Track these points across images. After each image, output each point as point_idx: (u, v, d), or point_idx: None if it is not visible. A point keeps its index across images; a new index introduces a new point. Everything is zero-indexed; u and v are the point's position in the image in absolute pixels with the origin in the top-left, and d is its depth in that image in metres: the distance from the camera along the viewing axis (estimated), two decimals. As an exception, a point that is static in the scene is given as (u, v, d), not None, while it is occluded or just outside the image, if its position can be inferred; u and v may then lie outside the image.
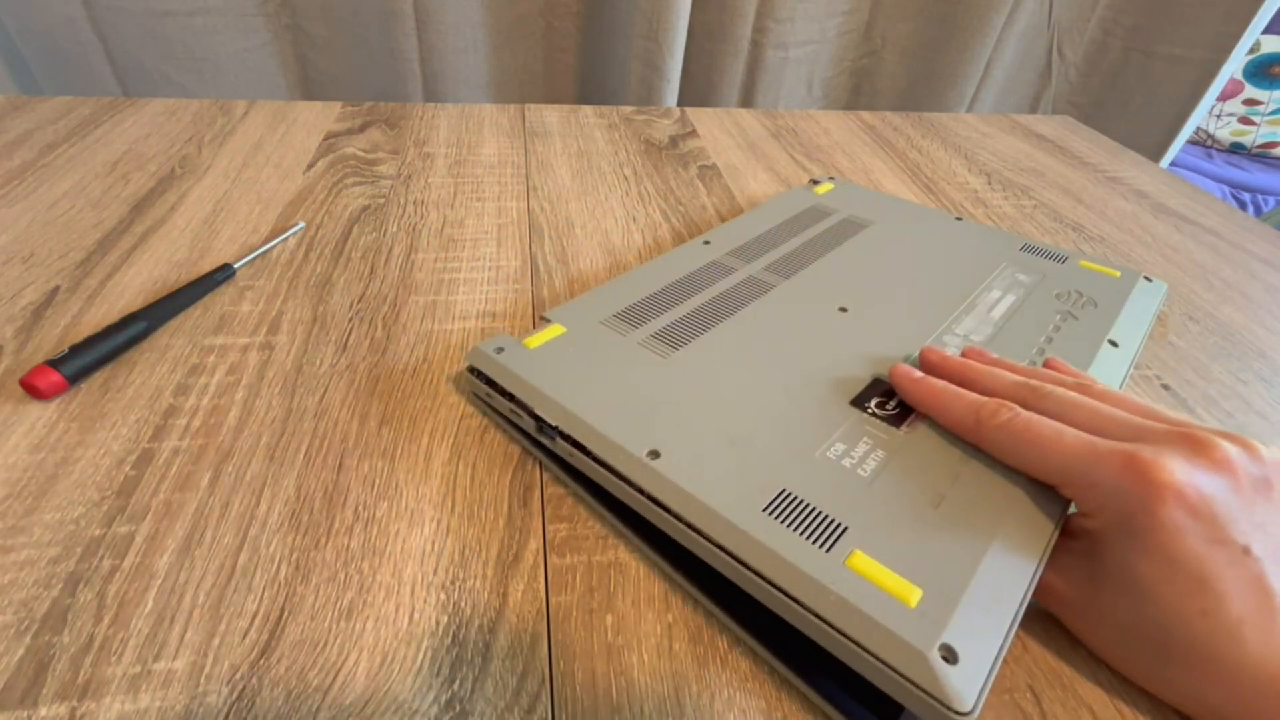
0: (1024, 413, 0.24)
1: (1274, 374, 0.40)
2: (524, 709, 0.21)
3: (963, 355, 0.30)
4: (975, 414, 0.25)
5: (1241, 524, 0.20)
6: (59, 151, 0.51)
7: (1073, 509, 0.24)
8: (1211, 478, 0.21)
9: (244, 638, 0.23)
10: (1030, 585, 0.22)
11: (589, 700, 0.22)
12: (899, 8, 1.00)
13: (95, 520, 0.26)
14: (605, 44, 0.94)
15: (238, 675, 0.22)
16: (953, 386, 0.27)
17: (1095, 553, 0.22)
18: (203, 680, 0.21)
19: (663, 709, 0.22)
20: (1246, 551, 0.20)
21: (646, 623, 0.24)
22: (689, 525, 0.23)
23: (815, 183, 0.50)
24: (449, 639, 0.23)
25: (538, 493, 0.29)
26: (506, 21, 0.90)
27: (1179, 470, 0.20)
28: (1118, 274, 0.39)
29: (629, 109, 0.69)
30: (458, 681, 0.22)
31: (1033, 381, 0.26)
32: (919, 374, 0.28)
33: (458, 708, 0.21)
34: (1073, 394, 0.25)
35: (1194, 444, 0.21)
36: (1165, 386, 0.38)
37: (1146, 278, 0.39)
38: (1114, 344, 0.34)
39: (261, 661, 0.22)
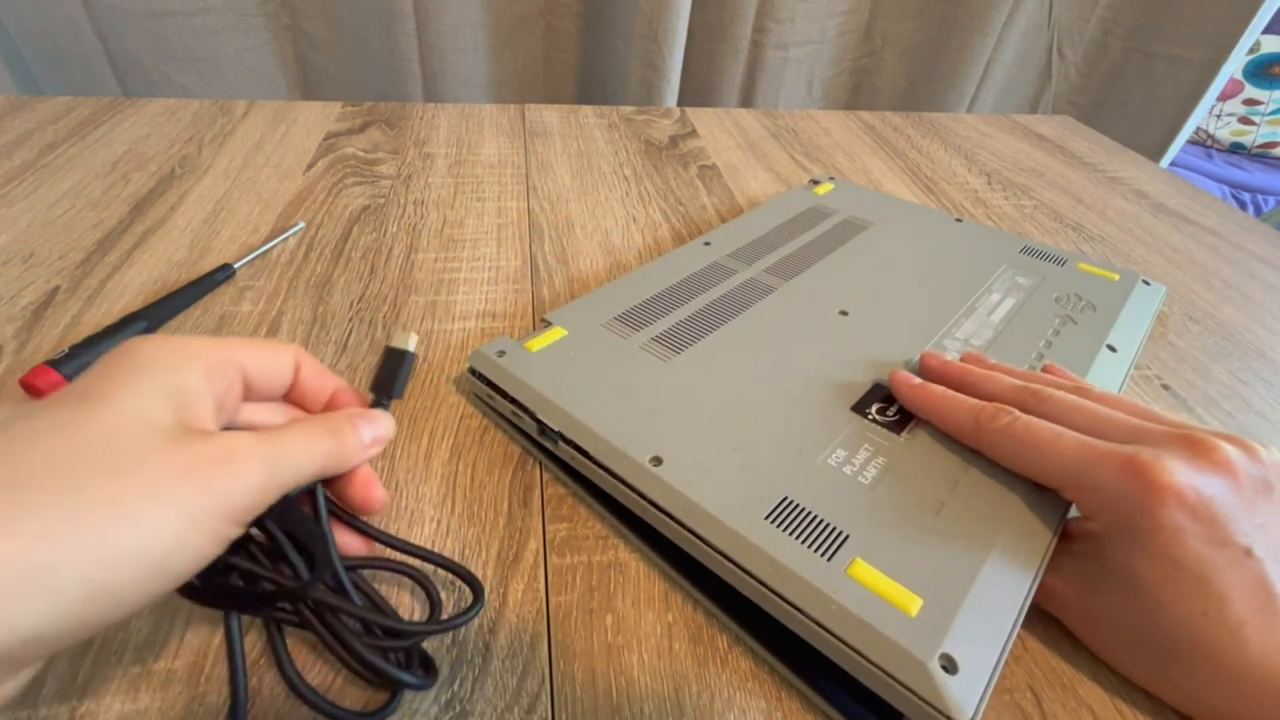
0: (1023, 416, 0.24)
1: (1274, 374, 0.40)
2: (524, 709, 0.22)
3: (962, 360, 0.30)
4: (975, 418, 0.25)
5: (1243, 525, 0.20)
6: (59, 151, 0.51)
7: (1074, 513, 0.24)
8: (1212, 479, 0.21)
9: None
10: (1029, 593, 0.22)
11: (589, 700, 0.22)
12: (899, 8, 1.00)
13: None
14: (605, 44, 0.94)
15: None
16: (951, 392, 0.27)
17: (1097, 555, 0.22)
18: (203, 680, 0.21)
19: (663, 709, 0.22)
20: (1248, 553, 0.20)
21: (646, 623, 0.24)
22: (692, 532, 0.23)
23: (815, 183, 0.50)
24: (449, 639, 0.23)
25: (538, 493, 0.29)
26: (506, 21, 0.90)
27: (1179, 472, 0.20)
28: (1116, 277, 0.39)
29: (629, 109, 0.69)
30: (458, 681, 0.22)
31: (1033, 385, 0.26)
32: (918, 380, 0.28)
33: (458, 708, 0.21)
34: (1072, 397, 0.25)
35: (1194, 446, 0.21)
36: (1165, 386, 0.38)
37: (1145, 281, 0.39)
38: (1112, 349, 0.34)
39: (261, 661, 0.22)
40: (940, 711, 0.18)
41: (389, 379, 0.25)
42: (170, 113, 0.59)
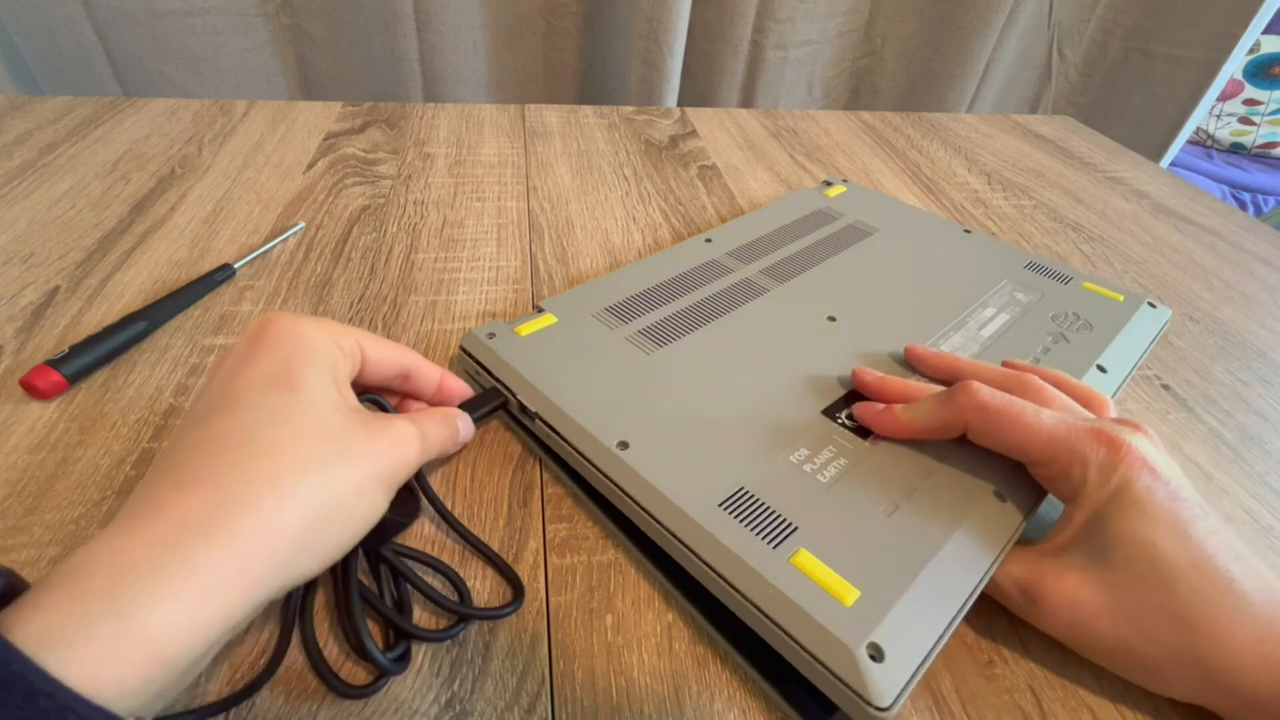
0: (999, 392, 0.25)
1: (1274, 374, 0.40)
2: (524, 709, 0.22)
3: (905, 353, 0.32)
4: (949, 403, 0.25)
5: (1188, 488, 0.22)
6: (59, 151, 0.51)
7: (1046, 521, 0.24)
8: (1153, 449, 0.23)
9: (244, 637, 0.23)
10: (971, 596, 0.22)
11: (589, 700, 0.22)
12: (899, 8, 1.00)
13: (96, 520, 0.26)
14: (605, 44, 0.94)
15: (238, 675, 0.22)
16: (912, 406, 0.27)
17: (1093, 542, 0.22)
18: (203, 680, 0.21)
19: (663, 709, 0.22)
20: (1203, 508, 0.22)
21: (646, 622, 0.24)
22: (647, 513, 0.24)
23: (828, 184, 0.50)
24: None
25: (538, 493, 0.29)
26: (506, 21, 0.90)
27: (1133, 440, 0.23)
28: (1120, 298, 0.38)
29: (629, 109, 0.69)
30: (458, 681, 0.22)
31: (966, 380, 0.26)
32: (880, 406, 0.28)
33: (458, 708, 0.21)
34: (1003, 394, 0.25)
35: (1125, 425, 0.24)
36: (1165, 386, 0.38)
37: (1151, 303, 0.38)
38: (1102, 369, 0.33)
39: (262, 661, 0.22)
40: (860, 696, 0.19)
41: (478, 405, 0.29)
42: (170, 113, 0.59)
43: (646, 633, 0.24)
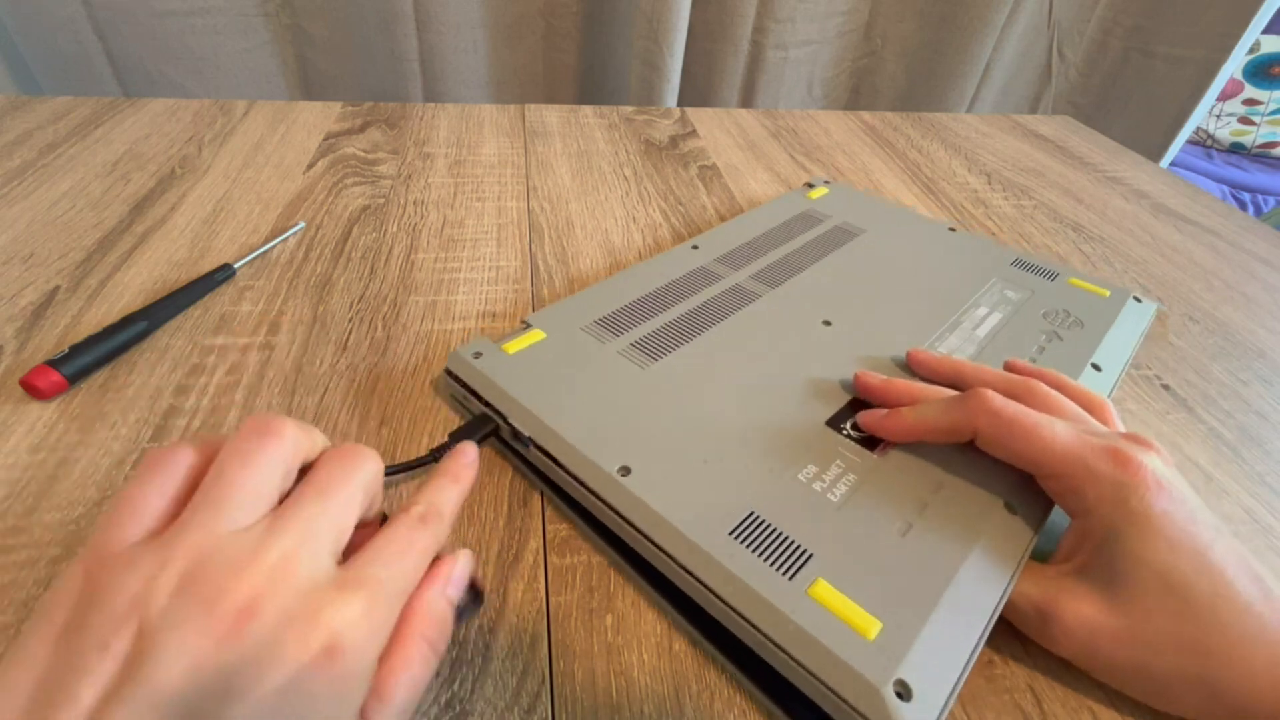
0: (1012, 401, 0.24)
1: (1274, 374, 0.40)
2: (524, 709, 0.22)
3: (907, 357, 0.31)
4: (961, 407, 0.25)
5: (1203, 508, 0.22)
6: (59, 151, 0.51)
7: (1052, 532, 0.24)
8: (1166, 469, 0.22)
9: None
10: (991, 619, 0.22)
11: (589, 700, 0.22)
12: (899, 8, 1.00)
13: (95, 521, 0.26)
14: (605, 44, 0.94)
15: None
16: (917, 408, 0.27)
17: (1104, 561, 0.22)
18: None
19: (663, 709, 0.22)
20: (1219, 530, 0.21)
21: (646, 622, 0.24)
22: (654, 544, 0.23)
23: (810, 186, 0.50)
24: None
25: (538, 493, 0.29)
26: (506, 21, 0.90)
27: (1148, 459, 0.22)
28: (1106, 293, 0.38)
29: (629, 109, 0.69)
30: (458, 681, 0.22)
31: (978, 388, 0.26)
32: (882, 411, 0.27)
33: (458, 708, 0.21)
34: (1013, 404, 0.25)
35: (1137, 441, 0.23)
36: (1165, 386, 0.38)
37: (1135, 298, 0.38)
38: (1097, 367, 0.33)
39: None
40: None
41: (467, 434, 0.28)
42: (170, 113, 0.59)
43: (646, 633, 0.24)
